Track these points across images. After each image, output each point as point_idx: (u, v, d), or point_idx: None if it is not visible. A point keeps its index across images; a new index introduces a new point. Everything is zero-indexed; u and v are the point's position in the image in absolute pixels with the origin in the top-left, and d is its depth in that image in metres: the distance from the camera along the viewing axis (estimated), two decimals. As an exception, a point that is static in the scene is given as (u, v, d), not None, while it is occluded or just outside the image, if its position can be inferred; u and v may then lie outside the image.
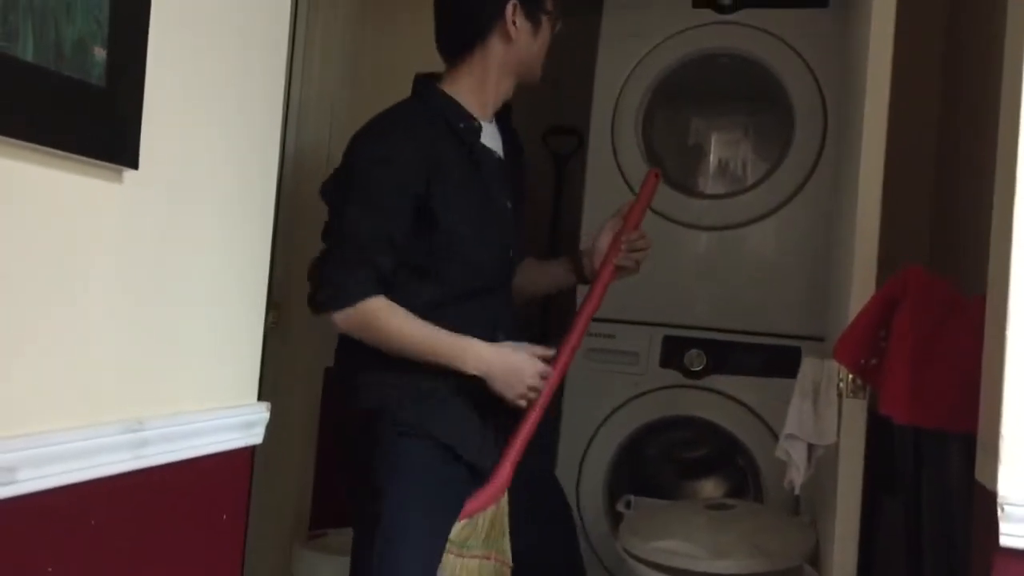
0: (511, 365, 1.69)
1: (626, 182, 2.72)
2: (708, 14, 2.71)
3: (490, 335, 1.74)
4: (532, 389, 1.71)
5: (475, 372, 1.67)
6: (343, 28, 2.72)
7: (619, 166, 2.74)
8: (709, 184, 2.86)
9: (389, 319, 1.65)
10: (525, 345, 1.73)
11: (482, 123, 1.76)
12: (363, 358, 1.69)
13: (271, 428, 1.34)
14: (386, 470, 1.65)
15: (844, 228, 1.86)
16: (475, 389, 1.70)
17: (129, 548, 1.08)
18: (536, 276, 1.99)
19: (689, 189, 2.76)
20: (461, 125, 1.72)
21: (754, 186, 2.71)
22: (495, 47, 1.76)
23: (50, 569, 0.96)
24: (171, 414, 1.13)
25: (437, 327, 1.66)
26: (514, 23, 1.75)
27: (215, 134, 1.20)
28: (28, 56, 0.86)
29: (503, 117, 1.86)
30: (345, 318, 1.64)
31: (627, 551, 2.02)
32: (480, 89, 1.78)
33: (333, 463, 2.66)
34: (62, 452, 0.97)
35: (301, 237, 2.61)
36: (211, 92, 1.18)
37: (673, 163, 2.84)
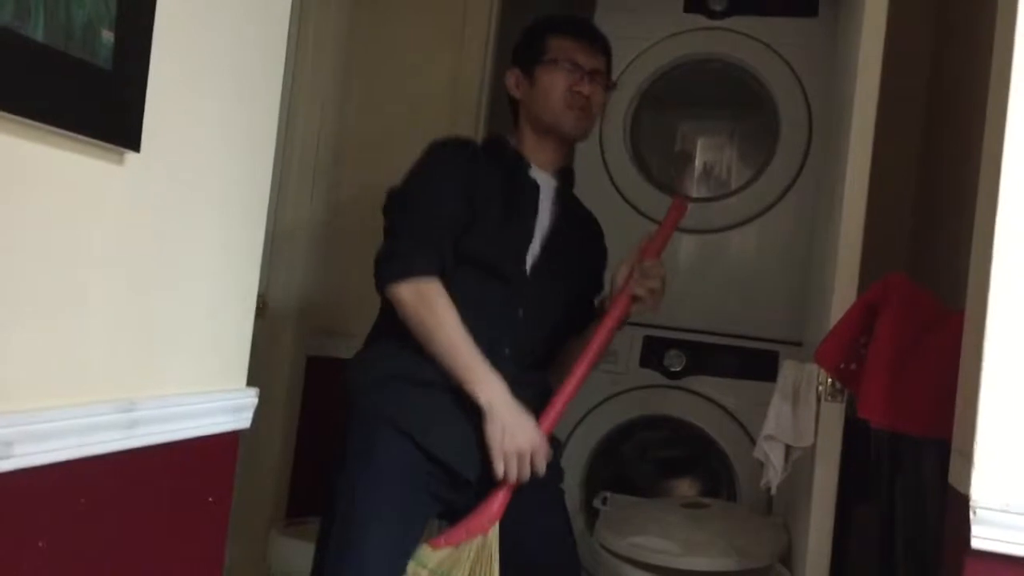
0: (519, 421, 1.63)
1: (613, 183, 2.75)
2: (699, 19, 2.74)
3: (495, 344, 1.70)
4: (518, 455, 1.62)
5: (482, 401, 1.62)
6: (337, 18, 2.73)
7: (606, 167, 2.76)
8: (694, 187, 2.89)
9: (443, 305, 1.65)
10: (542, 436, 1.68)
11: (539, 178, 1.84)
12: (373, 343, 1.75)
13: (253, 414, 1.35)
14: (348, 455, 1.66)
15: (827, 235, 1.89)
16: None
17: (118, 526, 1.09)
18: (576, 344, 1.86)
19: (673, 192, 2.79)
20: (505, 157, 1.83)
21: (738, 191, 2.75)
22: (516, 112, 1.89)
23: (41, 544, 0.97)
24: (162, 396, 1.14)
25: (472, 340, 1.64)
26: (516, 88, 1.87)
27: (214, 120, 1.21)
28: (39, 36, 0.87)
29: (565, 182, 1.91)
30: (407, 289, 1.65)
31: (603, 546, 2.05)
32: (528, 148, 1.86)
33: (313, 451, 2.68)
34: (56, 429, 0.97)
35: (286, 225, 2.62)
36: (211, 79, 1.19)
37: (658, 166, 2.87)
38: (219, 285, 1.26)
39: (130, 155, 1.04)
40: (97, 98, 0.96)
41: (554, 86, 1.81)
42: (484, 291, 1.72)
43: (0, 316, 0.90)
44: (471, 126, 2.67)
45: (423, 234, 1.70)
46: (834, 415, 1.58)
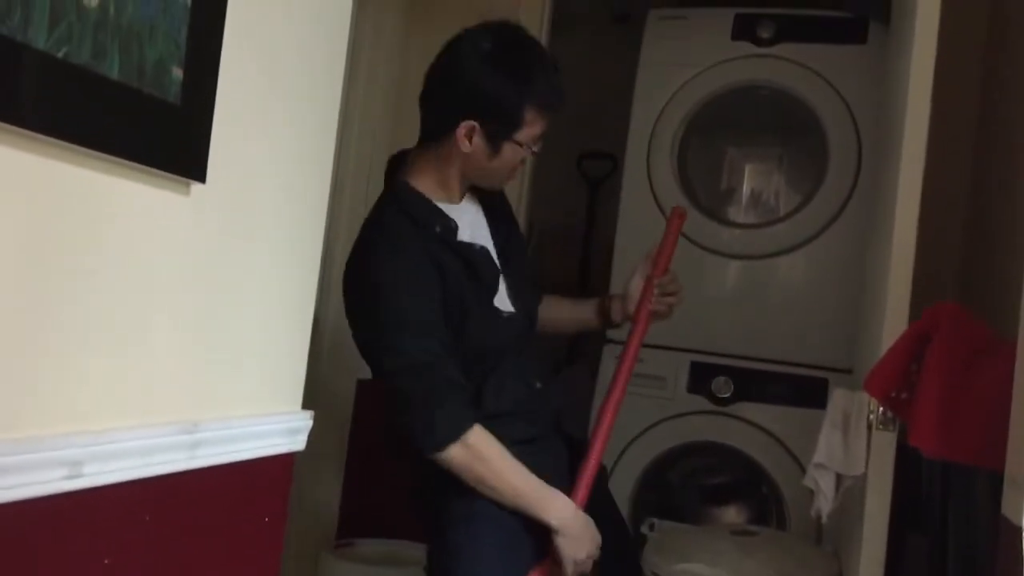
0: (586, 531, 1.69)
1: (660, 208, 2.76)
2: (747, 47, 2.75)
3: (523, 389, 1.76)
4: (588, 559, 1.69)
5: (554, 523, 1.66)
6: (389, 47, 2.78)
7: (653, 192, 2.78)
8: (741, 213, 2.90)
9: (494, 454, 1.63)
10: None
11: (452, 214, 1.74)
12: None
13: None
14: (462, 525, 1.68)
15: (878, 263, 1.88)
16: (530, 419, 1.74)
17: (179, 544, 1.12)
18: (559, 315, 1.99)
19: (721, 218, 2.80)
20: (438, 229, 1.71)
21: (786, 217, 2.75)
22: (451, 149, 1.71)
23: (107, 561, 1.01)
24: (223, 418, 1.18)
25: (528, 471, 1.66)
26: (468, 140, 1.68)
27: (274, 151, 1.25)
28: (114, 75, 0.92)
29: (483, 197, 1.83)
30: (456, 452, 1.61)
31: (652, 572, 2.04)
32: (442, 180, 1.75)
33: (363, 473, 2.71)
34: (123, 450, 1.01)
35: (339, 251, 2.67)
36: (272, 112, 1.23)
37: (706, 191, 2.88)
38: (277, 311, 1.29)
39: (196, 186, 1.08)
40: (167, 132, 1.01)
41: (513, 161, 1.73)
42: (495, 358, 1.74)
43: (75, 341, 0.94)
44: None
45: (437, 384, 1.62)
46: (886, 444, 1.57)
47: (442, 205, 1.75)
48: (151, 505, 1.07)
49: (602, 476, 1.90)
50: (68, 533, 0.95)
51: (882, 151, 2.21)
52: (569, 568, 1.67)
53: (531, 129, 1.70)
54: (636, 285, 1.89)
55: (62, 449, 0.92)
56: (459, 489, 1.65)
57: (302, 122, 1.30)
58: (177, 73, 1.00)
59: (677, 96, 2.77)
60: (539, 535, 1.69)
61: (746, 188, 2.98)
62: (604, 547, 1.76)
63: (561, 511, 1.67)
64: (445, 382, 1.63)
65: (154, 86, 0.97)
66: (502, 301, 1.77)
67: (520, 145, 1.70)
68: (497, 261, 1.79)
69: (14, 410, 0.89)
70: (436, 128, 1.73)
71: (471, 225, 1.78)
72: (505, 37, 1.72)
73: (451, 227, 1.73)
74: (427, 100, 1.76)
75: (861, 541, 1.59)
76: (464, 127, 1.67)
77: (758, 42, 2.74)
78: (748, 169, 2.99)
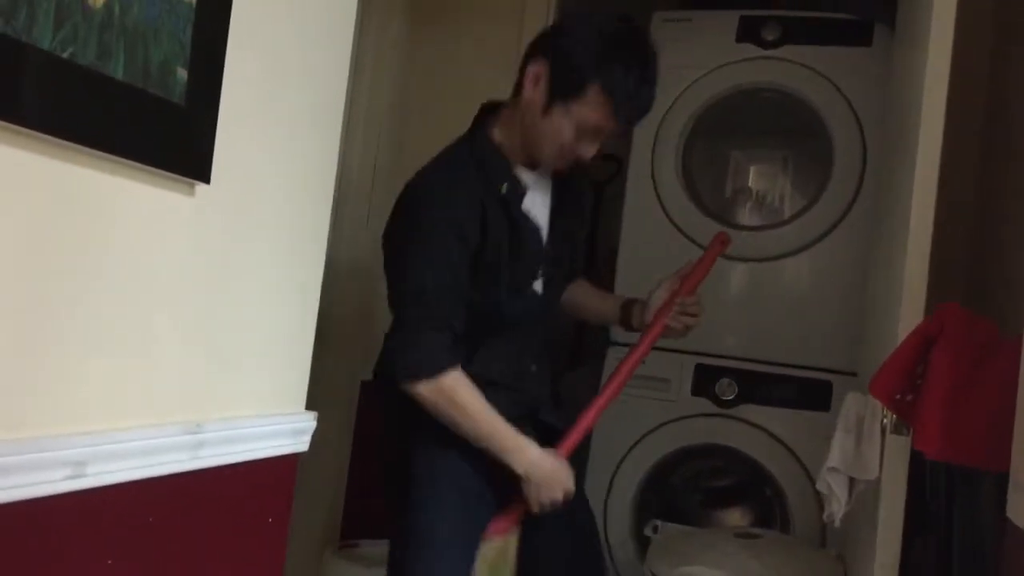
0: (553, 475, 1.70)
1: (664, 211, 2.75)
2: (752, 48, 2.74)
3: (516, 365, 1.78)
4: (552, 503, 1.71)
5: (520, 471, 1.68)
6: (393, 47, 2.78)
7: (658, 194, 2.77)
8: (746, 216, 2.89)
9: (465, 396, 1.65)
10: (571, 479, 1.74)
11: (526, 181, 1.73)
12: None
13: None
14: (423, 480, 1.70)
15: (888, 266, 1.87)
16: (514, 398, 1.74)
17: (182, 544, 1.12)
18: (583, 303, 2.01)
19: (726, 220, 2.79)
20: (503, 190, 1.70)
21: (791, 220, 2.74)
22: (522, 101, 1.69)
23: (110, 561, 1.01)
24: (227, 419, 1.18)
25: (498, 415, 1.67)
26: (533, 84, 1.66)
27: (278, 152, 1.25)
28: (119, 75, 0.92)
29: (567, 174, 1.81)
30: (429, 389, 1.63)
31: (655, 575, 2.04)
32: (517, 139, 1.73)
33: (366, 475, 2.71)
34: (126, 450, 1.01)
35: (342, 251, 2.67)
36: (276, 113, 1.23)
37: (711, 194, 2.87)
38: (281, 312, 1.30)
39: (200, 186, 1.08)
40: (172, 133, 1.01)
41: (559, 135, 1.66)
42: (503, 328, 1.76)
43: (79, 342, 0.95)
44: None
45: (436, 320, 1.64)
46: (899, 448, 1.56)
47: (518, 169, 1.75)
48: (154, 505, 1.07)
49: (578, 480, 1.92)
50: (71, 533, 0.95)
51: (889, 153, 2.21)
52: (534, 510, 1.71)
53: (586, 109, 1.62)
54: (659, 297, 1.90)
55: (65, 449, 0.92)
56: (423, 447, 1.68)
57: (306, 123, 1.31)
58: (182, 74, 1.00)
59: (681, 98, 2.76)
60: (500, 491, 1.72)
61: (751, 190, 2.97)
62: (572, 549, 1.81)
63: (527, 458, 1.68)
64: (442, 322, 1.64)
65: (159, 87, 0.98)
66: (532, 281, 1.78)
67: (570, 120, 1.63)
68: (545, 243, 1.79)
69: (17, 410, 0.89)
70: (521, 76, 1.70)
71: (536, 199, 1.78)
72: (628, 29, 1.67)
73: (518, 191, 1.72)
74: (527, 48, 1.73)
75: (873, 546, 1.58)
76: (535, 67, 1.65)
77: (763, 44, 2.73)
78: (753, 171, 2.98)
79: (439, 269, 1.64)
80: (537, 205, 1.78)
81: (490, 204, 1.69)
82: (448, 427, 1.66)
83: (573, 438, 1.78)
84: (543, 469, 1.69)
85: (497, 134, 1.75)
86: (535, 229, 1.76)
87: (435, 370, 1.63)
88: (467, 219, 1.66)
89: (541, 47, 1.68)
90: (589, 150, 1.70)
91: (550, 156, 1.71)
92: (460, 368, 1.65)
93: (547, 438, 1.79)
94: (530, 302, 1.78)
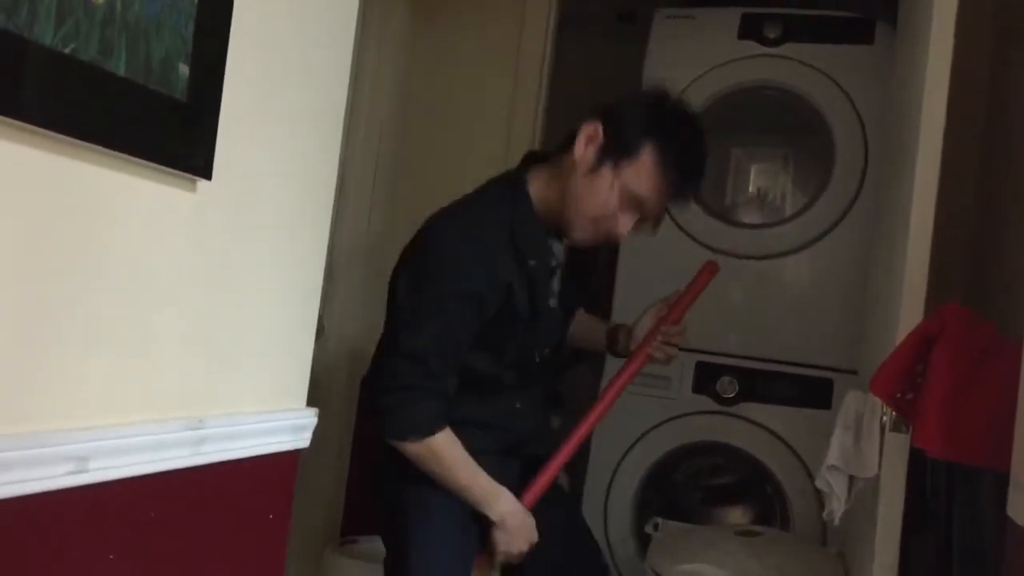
0: (524, 528, 1.72)
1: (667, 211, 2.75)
2: (753, 46, 2.74)
3: (503, 405, 1.78)
4: (518, 555, 1.73)
5: (494, 517, 1.70)
6: (394, 45, 2.78)
7: (659, 192, 2.77)
8: (747, 214, 2.89)
9: (450, 453, 1.67)
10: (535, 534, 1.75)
11: (557, 255, 1.73)
12: None
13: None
14: (413, 520, 1.71)
15: (889, 265, 1.87)
16: (498, 436, 1.76)
17: (184, 540, 1.13)
18: (574, 332, 1.98)
19: (727, 218, 2.79)
20: (532, 263, 1.66)
21: (792, 218, 2.74)
22: (569, 164, 1.65)
23: (112, 556, 1.01)
24: (228, 415, 1.18)
25: (479, 468, 1.69)
26: (584, 145, 1.62)
27: (279, 149, 1.25)
28: (121, 71, 0.92)
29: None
30: (416, 447, 1.65)
31: (655, 572, 2.04)
32: (554, 201, 1.68)
33: (366, 472, 2.71)
34: (128, 445, 1.01)
35: (343, 249, 2.67)
36: (278, 109, 1.23)
37: (712, 192, 2.87)
38: (282, 309, 1.30)
39: (202, 183, 1.08)
40: (173, 129, 1.01)
41: (602, 199, 1.62)
42: (496, 390, 1.76)
43: (80, 337, 0.95)
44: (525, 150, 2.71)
45: (433, 388, 1.64)
46: (898, 446, 1.56)
47: (551, 240, 1.72)
48: (156, 501, 1.07)
49: (575, 505, 1.94)
50: (73, 528, 0.95)
51: (890, 152, 2.20)
52: (498, 558, 1.73)
53: (636, 172, 1.60)
54: (644, 325, 1.89)
55: (67, 444, 0.92)
56: (414, 478, 1.69)
57: (308, 120, 1.31)
58: (183, 70, 1.00)
59: (683, 95, 2.75)
60: (487, 523, 1.73)
61: (752, 188, 2.97)
62: (573, 552, 1.82)
63: (503, 506, 1.70)
64: (440, 390, 1.65)
65: (161, 83, 0.98)
66: (537, 354, 1.79)
67: (617, 183, 1.60)
68: (559, 315, 1.80)
69: (20, 405, 0.89)
70: (571, 134, 1.67)
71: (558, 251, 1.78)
72: (683, 104, 1.69)
73: (548, 266, 1.71)
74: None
75: (873, 543, 1.58)
76: (589, 127, 1.62)
77: (764, 42, 2.73)
78: (754, 169, 2.98)
79: (447, 340, 1.64)
80: (557, 277, 1.78)
81: (516, 279, 1.65)
82: (428, 475, 1.68)
83: (539, 486, 1.78)
84: (515, 518, 1.71)
85: (536, 190, 1.70)
86: (554, 310, 1.77)
87: (426, 433, 1.65)
88: (487, 290, 1.63)
89: (597, 110, 1.66)
90: (626, 223, 1.65)
91: (586, 222, 1.66)
92: (448, 429, 1.67)
93: (530, 469, 1.80)
94: (528, 367, 1.78)
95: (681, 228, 2.71)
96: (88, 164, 0.92)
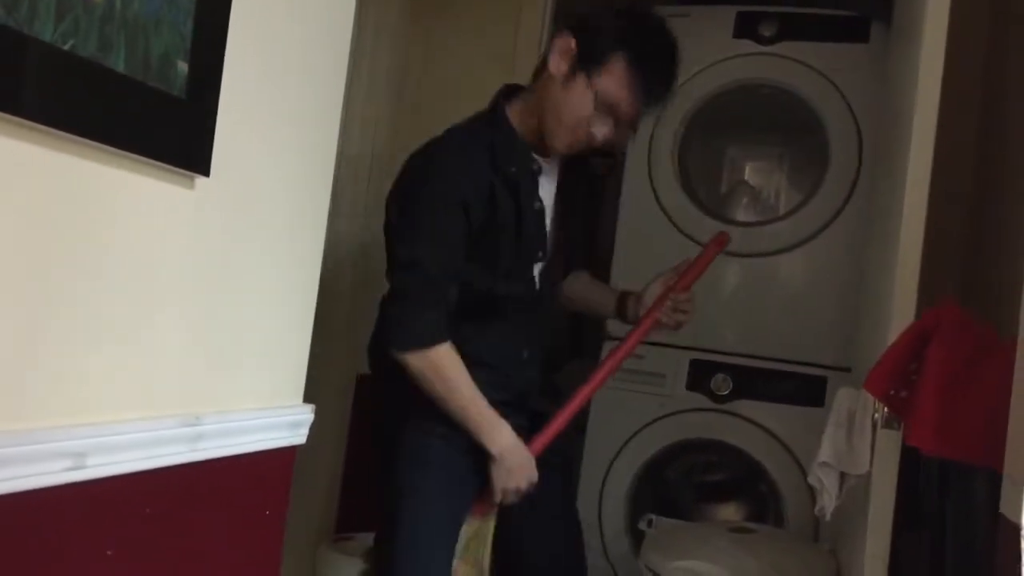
0: (523, 466, 1.73)
1: (660, 206, 2.76)
2: (748, 44, 2.75)
3: (507, 350, 1.79)
4: (516, 492, 1.74)
5: (493, 450, 1.71)
6: (390, 45, 2.78)
7: (654, 190, 2.78)
8: (742, 212, 2.90)
9: (453, 370, 1.68)
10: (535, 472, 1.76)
11: (539, 163, 1.76)
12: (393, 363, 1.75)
13: (306, 431, 1.39)
14: (411, 467, 1.73)
15: (882, 262, 1.88)
16: (504, 382, 1.77)
17: (181, 536, 1.13)
18: (582, 294, 2.03)
19: (722, 216, 2.80)
20: (512, 169, 1.71)
21: (786, 216, 2.75)
22: (545, 79, 1.71)
23: (109, 552, 1.01)
24: (225, 411, 1.18)
25: (480, 394, 1.70)
26: (559, 58, 1.68)
27: (277, 146, 1.25)
28: (120, 67, 0.92)
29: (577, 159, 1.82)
30: (418, 359, 1.67)
31: (649, 569, 2.05)
32: (533, 122, 1.74)
33: (362, 468, 2.71)
34: (126, 442, 1.01)
35: (338, 245, 2.67)
36: (276, 107, 1.23)
37: (707, 190, 2.88)
38: (279, 306, 1.30)
39: (200, 180, 1.08)
40: (172, 125, 1.01)
41: (577, 107, 1.68)
42: (496, 311, 1.77)
43: (78, 333, 0.95)
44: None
45: (432, 294, 1.68)
46: (890, 443, 1.57)
47: (532, 153, 1.76)
48: (153, 497, 1.07)
49: (571, 473, 1.94)
50: (71, 524, 0.96)
51: (885, 150, 2.21)
52: (496, 495, 1.73)
53: (609, 80, 1.65)
54: (653, 292, 1.91)
55: (65, 441, 0.92)
56: (415, 425, 1.71)
57: (305, 116, 1.31)
58: (182, 66, 1.00)
59: (678, 93, 2.76)
60: (483, 477, 1.74)
61: (747, 186, 2.98)
62: (554, 543, 1.83)
63: (502, 440, 1.71)
64: (439, 296, 1.68)
65: (159, 79, 0.98)
66: (529, 267, 1.80)
67: (590, 91, 1.65)
68: (548, 229, 1.80)
69: (17, 401, 0.89)
70: (547, 54, 1.72)
71: (544, 184, 1.80)
72: (656, 18, 1.71)
73: (531, 172, 1.74)
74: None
75: (864, 539, 1.59)
76: (562, 40, 1.68)
77: (760, 40, 2.74)
78: (749, 167, 2.99)
79: (440, 243, 1.68)
80: (544, 190, 1.80)
81: (499, 185, 1.70)
82: (431, 401, 1.69)
83: (548, 435, 1.79)
84: (515, 455, 1.72)
85: (515, 116, 1.77)
86: (540, 213, 1.78)
87: (428, 343, 1.67)
88: (474, 197, 1.67)
89: (568, 23, 1.71)
90: (602, 130, 1.70)
91: (564, 132, 1.71)
92: (450, 344, 1.68)
93: (536, 425, 1.81)
94: (525, 287, 1.80)
95: (675, 225, 2.72)
96: (87, 160, 0.92)
